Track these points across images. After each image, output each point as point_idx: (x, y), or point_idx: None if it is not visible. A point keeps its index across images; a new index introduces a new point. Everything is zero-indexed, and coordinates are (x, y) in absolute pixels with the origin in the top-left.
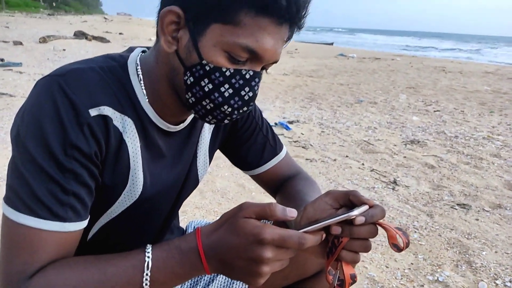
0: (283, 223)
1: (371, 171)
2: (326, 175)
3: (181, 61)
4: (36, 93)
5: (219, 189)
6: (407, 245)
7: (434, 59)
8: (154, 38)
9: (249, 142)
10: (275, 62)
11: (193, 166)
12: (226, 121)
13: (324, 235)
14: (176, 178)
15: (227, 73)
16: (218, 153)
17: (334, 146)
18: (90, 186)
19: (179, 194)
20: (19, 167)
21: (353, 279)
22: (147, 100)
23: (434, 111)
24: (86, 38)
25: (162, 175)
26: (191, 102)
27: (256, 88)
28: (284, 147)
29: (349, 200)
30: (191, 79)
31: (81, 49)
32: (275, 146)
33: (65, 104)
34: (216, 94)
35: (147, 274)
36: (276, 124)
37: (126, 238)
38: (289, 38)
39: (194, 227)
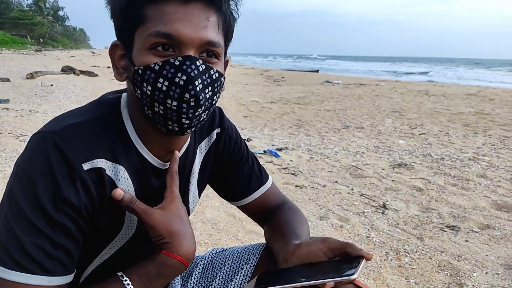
0: (272, 259)
1: (361, 195)
2: (316, 201)
3: (131, 82)
4: (30, 149)
5: (209, 219)
6: None
7: (417, 83)
8: None
9: (236, 173)
10: (211, 43)
11: (185, 201)
12: (184, 121)
13: None
14: None
15: (156, 67)
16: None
17: (323, 172)
18: (78, 240)
19: None
20: (9, 221)
21: None
22: (139, 141)
23: (420, 134)
24: (74, 73)
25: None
26: (151, 116)
27: (189, 70)
28: (270, 177)
29: (346, 253)
30: (138, 91)
31: (69, 84)
32: (261, 176)
33: (59, 161)
34: (157, 92)
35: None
36: (265, 151)
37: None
38: (218, 13)
39: None
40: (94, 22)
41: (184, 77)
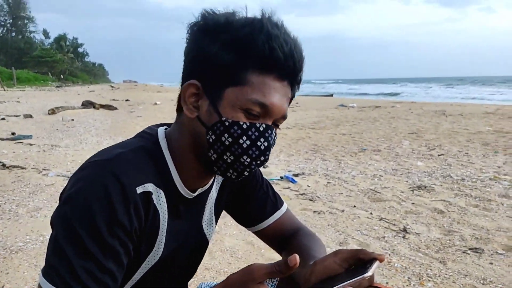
0: (290, 278)
1: (380, 220)
2: (335, 226)
3: (203, 124)
4: (85, 177)
5: (228, 248)
6: None
7: (434, 104)
8: (159, 102)
9: (251, 199)
10: (284, 117)
11: (200, 225)
12: (245, 173)
13: None
14: (188, 238)
15: (244, 126)
16: (224, 212)
17: (341, 197)
18: (123, 264)
19: (191, 254)
20: (60, 244)
21: None
22: (176, 172)
23: (438, 155)
24: (94, 107)
25: (180, 238)
26: (213, 159)
27: (269, 139)
28: (284, 203)
29: (359, 259)
30: (213, 137)
31: (89, 117)
32: (276, 202)
33: (116, 186)
34: (236, 146)
35: None
36: (281, 177)
37: None
38: (293, 96)
39: None
40: (112, 57)
41: (265, 144)
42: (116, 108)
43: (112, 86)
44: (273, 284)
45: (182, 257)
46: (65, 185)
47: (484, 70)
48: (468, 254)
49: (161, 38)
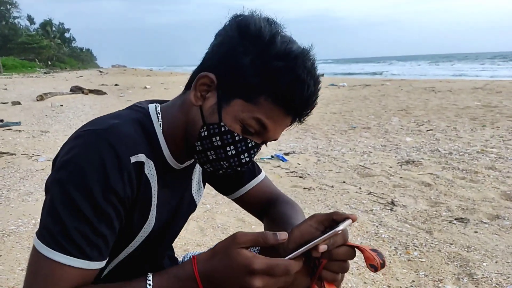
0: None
1: (369, 194)
2: (325, 202)
3: (202, 117)
4: (81, 144)
5: (219, 225)
6: (382, 265)
7: (423, 81)
8: (148, 86)
9: None
10: (274, 140)
11: (190, 193)
12: (220, 172)
13: (303, 259)
14: (178, 206)
15: (236, 138)
16: (216, 191)
17: (331, 173)
18: (115, 229)
19: (180, 220)
20: (56, 207)
21: None
22: (165, 143)
23: (427, 130)
24: (83, 92)
25: (167, 206)
26: (197, 149)
27: (252, 155)
28: (262, 171)
29: (333, 220)
30: (205, 133)
31: (78, 103)
32: (254, 169)
33: (111, 155)
34: (221, 151)
35: None
36: (272, 156)
37: (134, 269)
38: (290, 125)
39: (189, 257)
40: (100, 42)
41: (247, 159)
42: (105, 93)
43: (101, 71)
44: (256, 249)
45: (173, 224)
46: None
47: (472, 47)
48: (454, 224)
49: (149, 21)
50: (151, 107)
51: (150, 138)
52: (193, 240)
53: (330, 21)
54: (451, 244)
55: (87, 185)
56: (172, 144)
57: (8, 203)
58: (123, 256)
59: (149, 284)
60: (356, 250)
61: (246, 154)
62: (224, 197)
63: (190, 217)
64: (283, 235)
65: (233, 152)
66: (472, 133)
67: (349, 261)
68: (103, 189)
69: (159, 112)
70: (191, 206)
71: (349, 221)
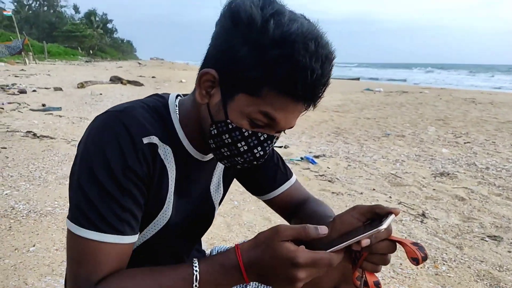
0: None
1: (399, 203)
2: None
3: (210, 114)
4: (97, 125)
5: (246, 222)
6: (423, 258)
7: (464, 91)
8: (184, 80)
9: (262, 170)
10: (291, 128)
11: (208, 190)
12: (238, 167)
13: (344, 250)
14: (197, 202)
15: (246, 134)
16: (244, 188)
17: (361, 180)
18: (141, 204)
19: (199, 218)
20: (83, 187)
21: (377, 285)
22: (183, 133)
23: (465, 143)
24: (121, 82)
25: (188, 200)
26: (212, 147)
27: (267, 148)
28: (294, 175)
29: (376, 214)
30: (215, 131)
31: (116, 93)
32: (286, 173)
33: (124, 134)
34: (233, 147)
35: (196, 286)
36: (302, 158)
37: (155, 260)
38: (306, 109)
39: (217, 251)
40: (140, 34)
41: (261, 152)
42: (142, 84)
43: (140, 63)
44: None
45: (190, 219)
46: None
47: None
48: (486, 241)
49: (189, 17)
50: (172, 96)
51: (166, 125)
52: (219, 235)
53: (370, 23)
54: (482, 261)
55: (108, 163)
56: (190, 134)
57: (46, 185)
58: (139, 243)
59: (196, 270)
60: (398, 244)
61: (259, 148)
62: (252, 195)
63: (217, 211)
64: (324, 229)
65: (245, 148)
66: (511, 149)
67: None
68: (122, 167)
69: (176, 104)
70: (209, 202)
71: (392, 216)
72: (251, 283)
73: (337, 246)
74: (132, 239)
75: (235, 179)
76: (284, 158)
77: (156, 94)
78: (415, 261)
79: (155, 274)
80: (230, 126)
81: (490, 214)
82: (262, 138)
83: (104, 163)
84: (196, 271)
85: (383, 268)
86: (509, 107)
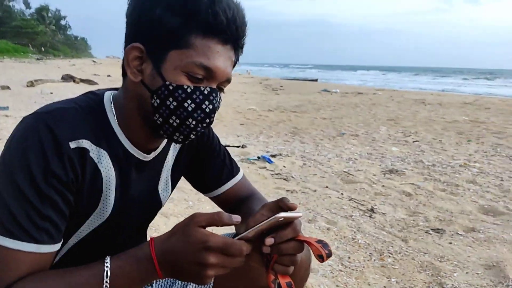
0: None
1: (350, 200)
2: (306, 205)
3: (147, 88)
4: (22, 127)
5: None
6: (327, 255)
7: (414, 92)
8: None
9: (208, 166)
10: (228, 80)
11: (156, 188)
12: (192, 136)
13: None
14: (142, 201)
15: (188, 90)
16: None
17: (315, 178)
18: (64, 212)
19: (144, 216)
20: (1, 192)
21: (290, 286)
22: (122, 133)
23: (413, 141)
24: (74, 81)
25: (131, 199)
26: (159, 122)
27: (214, 102)
28: (241, 170)
29: (280, 207)
30: (158, 101)
31: (68, 91)
32: (232, 169)
33: (49, 138)
34: (181, 109)
35: (106, 282)
36: (258, 157)
37: (93, 259)
38: (236, 60)
39: None
40: (95, 31)
41: (210, 106)
42: (96, 83)
43: (94, 61)
44: None
45: (134, 217)
46: None
47: (467, 62)
48: (430, 234)
49: None
50: (107, 94)
51: (101, 126)
52: None
53: (328, 26)
54: (425, 253)
55: (28, 168)
56: (131, 132)
57: None
58: (73, 242)
59: (107, 266)
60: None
61: (207, 102)
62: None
63: (171, 212)
64: (237, 218)
65: (193, 105)
66: (457, 147)
67: (321, 263)
68: (43, 172)
69: (111, 101)
70: (156, 201)
71: (299, 214)
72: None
73: (243, 234)
74: (50, 248)
75: (182, 177)
76: (241, 157)
77: (91, 92)
78: (321, 258)
79: (66, 274)
80: (171, 87)
81: (434, 209)
82: (206, 92)
83: (25, 168)
84: (106, 267)
85: (332, 261)
86: (456, 107)
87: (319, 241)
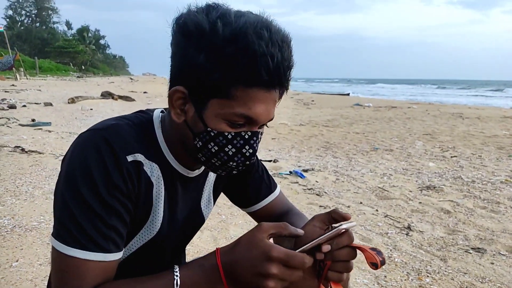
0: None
1: (385, 217)
2: None
3: (190, 129)
4: (82, 142)
5: (232, 236)
6: (381, 262)
7: (451, 106)
8: None
9: (247, 182)
10: (271, 120)
11: (199, 205)
12: (234, 172)
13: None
14: (187, 216)
15: (229, 136)
16: (231, 202)
17: (349, 193)
18: (126, 221)
19: (188, 231)
20: (68, 205)
21: None
22: (168, 151)
23: (451, 157)
24: (112, 97)
25: (178, 214)
26: (202, 160)
27: (255, 145)
28: (278, 186)
29: (333, 219)
30: (200, 143)
31: (107, 108)
32: (270, 185)
33: (108, 152)
34: (222, 154)
35: None
36: (290, 172)
37: (142, 273)
38: (280, 97)
39: None
40: (133, 50)
41: (250, 151)
42: (133, 100)
43: (132, 79)
44: None
45: (179, 232)
46: None
47: (507, 74)
48: (470, 253)
49: None
50: (156, 113)
51: (151, 142)
52: (205, 248)
53: (359, 40)
54: (465, 273)
55: (92, 181)
56: (175, 151)
57: (33, 200)
58: (125, 256)
59: (176, 275)
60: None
61: (247, 147)
62: (239, 208)
63: (204, 226)
64: (301, 231)
65: (233, 150)
66: (497, 163)
67: (371, 272)
68: (106, 184)
69: (160, 121)
70: (199, 217)
71: (354, 223)
72: None
73: (304, 247)
74: (116, 256)
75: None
76: (273, 172)
77: (141, 111)
78: (374, 265)
79: (138, 284)
80: (212, 134)
81: (474, 227)
82: (246, 137)
83: (89, 181)
84: (176, 275)
85: (367, 280)
86: (495, 121)
87: (373, 249)
